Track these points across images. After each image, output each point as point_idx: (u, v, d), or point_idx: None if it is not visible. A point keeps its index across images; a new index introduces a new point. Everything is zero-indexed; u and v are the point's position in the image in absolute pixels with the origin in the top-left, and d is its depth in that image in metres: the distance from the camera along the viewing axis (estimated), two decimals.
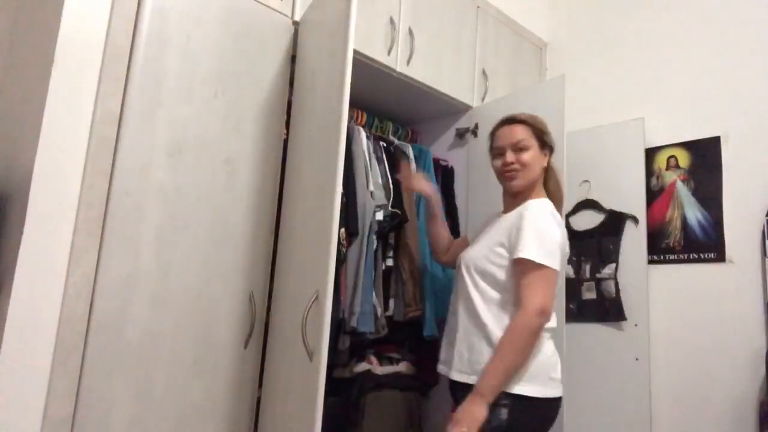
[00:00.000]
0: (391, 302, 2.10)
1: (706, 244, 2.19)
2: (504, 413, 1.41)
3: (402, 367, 2.18)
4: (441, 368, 1.65)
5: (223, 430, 1.53)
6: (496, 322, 1.49)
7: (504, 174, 1.64)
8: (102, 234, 1.35)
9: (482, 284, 1.55)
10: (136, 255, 1.40)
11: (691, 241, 2.22)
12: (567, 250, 1.62)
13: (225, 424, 1.53)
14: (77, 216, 1.32)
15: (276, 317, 1.61)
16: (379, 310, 2.00)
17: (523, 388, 1.43)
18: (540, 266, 1.45)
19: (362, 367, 2.08)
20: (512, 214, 1.58)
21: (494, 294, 1.53)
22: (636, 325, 2.25)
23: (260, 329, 1.63)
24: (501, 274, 1.52)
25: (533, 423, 1.46)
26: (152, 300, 1.42)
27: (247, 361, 1.59)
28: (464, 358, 1.53)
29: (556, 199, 1.66)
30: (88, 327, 1.32)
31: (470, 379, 1.48)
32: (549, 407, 1.49)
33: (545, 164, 1.65)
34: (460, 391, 1.50)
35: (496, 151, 1.67)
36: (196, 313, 1.50)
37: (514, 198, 1.65)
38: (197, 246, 1.52)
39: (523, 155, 1.60)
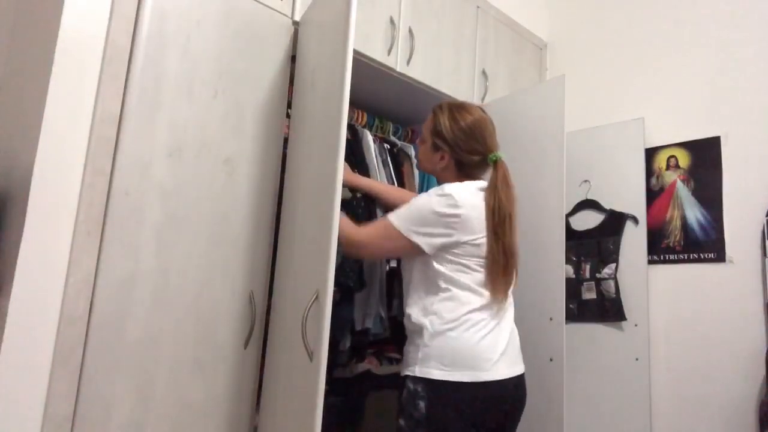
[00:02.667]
0: (395, 303, 2.10)
1: (706, 244, 2.19)
2: (422, 405, 1.41)
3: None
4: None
5: (223, 430, 1.52)
6: (416, 307, 1.53)
7: None
8: (102, 234, 1.35)
9: (402, 272, 1.64)
10: (136, 255, 1.40)
11: (691, 241, 2.22)
12: (466, 224, 1.50)
13: (225, 424, 1.53)
14: (77, 216, 1.32)
15: (276, 317, 1.61)
16: (383, 311, 2.01)
17: (430, 371, 1.43)
18: (387, 219, 1.54)
19: (362, 367, 2.08)
20: None
21: (409, 279, 1.58)
22: (636, 325, 2.25)
23: (260, 329, 1.63)
24: (409, 259, 1.58)
25: (452, 409, 1.41)
26: (152, 300, 1.42)
27: (247, 361, 1.59)
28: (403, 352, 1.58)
29: (494, 208, 1.55)
30: (88, 327, 1.31)
31: (402, 370, 1.52)
32: (464, 391, 1.41)
33: (441, 165, 1.62)
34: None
35: None
36: (196, 312, 1.50)
37: None
38: (197, 246, 1.52)
39: (420, 146, 1.69)
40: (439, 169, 1.64)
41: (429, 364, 1.43)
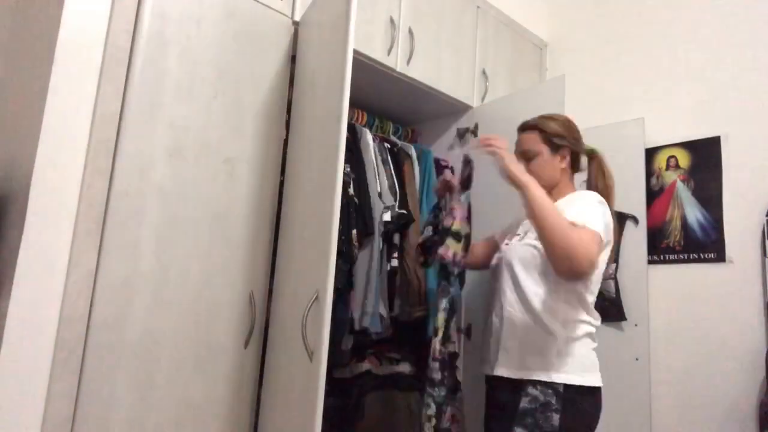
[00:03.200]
0: (396, 302, 2.10)
1: (706, 244, 2.19)
2: (555, 418, 1.39)
3: (402, 367, 2.18)
4: (483, 368, 1.62)
5: (223, 430, 1.52)
6: (550, 314, 1.47)
7: None
8: (102, 234, 1.35)
9: (532, 279, 1.51)
10: (136, 255, 1.40)
11: (691, 241, 2.22)
12: (611, 239, 1.52)
13: (225, 424, 1.53)
14: (77, 216, 1.32)
15: (276, 317, 1.61)
16: (385, 311, 2.01)
17: (571, 377, 1.42)
18: (592, 231, 1.40)
19: (362, 367, 2.08)
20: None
21: (545, 287, 1.49)
22: (636, 325, 2.25)
23: (260, 329, 1.63)
24: (551, 267, 1.46)
25: (585, 415, 1.44)
26: (152, 300, 1.42)
27: (247, 361, 1.59)
28: (513, 355, 1.50)
29: (603, 195, 1.58)
30: (88, 327, 1.32)
31: (514, 374, 1.47)
32: (595, 397, 1.46)
33: (563, 165, 1.62)
34: (500, 388, 1.50)
35: None
36: (196, 313, 1.50)
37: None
38: (197, 246, 1.52)
39: (530, 165, 1.60)
40: (560, 172, 1.62)
41: (567, 369, 1.43)
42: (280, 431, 1.45)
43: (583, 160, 1.68)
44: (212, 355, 1.52)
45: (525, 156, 1.62)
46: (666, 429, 2.16)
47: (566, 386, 1.41)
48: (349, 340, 1.95)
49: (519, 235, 1.62)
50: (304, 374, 1.29)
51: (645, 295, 2.26)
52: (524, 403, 1.43)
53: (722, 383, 2.06)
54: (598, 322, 1.53)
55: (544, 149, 1.62)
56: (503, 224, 1.79)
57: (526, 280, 1.52)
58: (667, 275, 2.26)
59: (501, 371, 1.51)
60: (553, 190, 1.61)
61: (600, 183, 1.63)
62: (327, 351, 1.23)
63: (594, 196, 1.53)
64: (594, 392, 1.46)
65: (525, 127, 1.66)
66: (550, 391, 1.41)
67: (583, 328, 1.49)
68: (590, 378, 1.45)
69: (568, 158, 1.63)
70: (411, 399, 2.15)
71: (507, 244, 1.64)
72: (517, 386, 1.46)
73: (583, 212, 1.45)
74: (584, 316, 1.50)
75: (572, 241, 1.35)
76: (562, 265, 1.38)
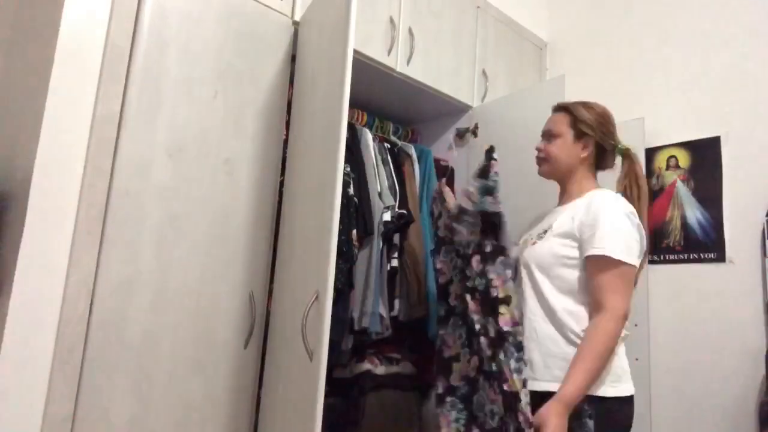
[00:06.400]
0: (396, 302, 2.10)
1: (706, 244, 2.19)
2: (590, 424, 1.34)
3: (402, 367, 2.18)
4: None
5: (223, 430, 1.52)
6: (574, 321, 1.41)
7: (536, 160, 1.64)
8: (102, 234, 1.35)
9: (553, 283, 1.46)
10: (136, 255, 1.40)
11: (691, 241, 2.22)
12: (645, 244, 1.48)
13: (225, 424, 1.53)
14: (77, 216, 1.32)
15: (276, 317, 1.61)
16: (385, 311, 2.01)
17: (605, 389, 1.37)
18: (619, 263, 1.37)
19: (362, 367, 2.08)
20: (573, 206, 1.51)
21: (567, 292, 1.44)
22: (636, 325, 2.25)
23: (260, 329, 1.63)
24: (573, 270, 1.44)
25: (619, 424, 1.41)
26: (152, 300, 1.42)
27: (247, 361, 1.59)
28: (538, 368, 1.42)
29: (634, 197, 1.52)
30: (88, 327, 1.32)
31: (542, 386, 1.40)
32: (630, 405, 1.43)
33: (584, 154, 1.56)
34: (535, 402, 1.38)
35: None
36: (196, 313, 1.50)
37: (561, 190, 1.62)
38: (197, 246, 1.52)
39: (549, 145, 1.58)
40: (578, 161, 1.57)
41: (600, 381, 1.37)
42: (280, 431, 1.45)
43: (617, 160, 1.60)
44: (212, 355, 1.52)
45: (546, 135, 1.60)
46: (666, 429, 2.16)
47: (600, 398, 1.36)
48: (349, 340, 1.95)
49: (537, 232, 1.55)
50: (304, 374, 1.29)
51: (645, 295, 2.26)
52: None
53: (722, 383, 2.06)
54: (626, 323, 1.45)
55: (568, 133, 1.58)
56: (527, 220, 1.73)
57: (543, 288, 1.46)
58: (667, 275, 2.26)
59: (528, 385, 1.42)
60: (569, 178, 1.57)
61: (633, 188, 1.53)
62: (327, 351, 1.23)
63: (620, 207, 1.44)
64: (628, 401, 1.42)
65: (558, 107, 1.65)
66: (582, 401, 1.34)
67: None
68: (623, 388, 1.41)
69: (590, 149, 1.57)
70: (411, 399, 2.15)
71: (532, 241, 1.55)
72: (547, 399, 1.36)
73: (604, 236, 1.37)
74: None
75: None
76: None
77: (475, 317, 1.56)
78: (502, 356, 1.44)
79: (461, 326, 1.67)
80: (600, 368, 1.35)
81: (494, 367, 1.47)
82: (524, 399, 1.38)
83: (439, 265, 1.79)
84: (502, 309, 1.48)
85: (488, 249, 1.57)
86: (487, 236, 1.59)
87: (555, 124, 1.61)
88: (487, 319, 1.52)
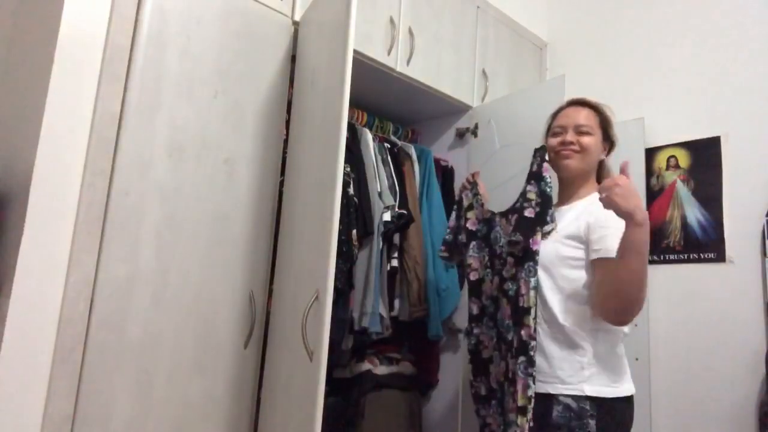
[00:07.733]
0: (396, 302, 2.11)
1: (706, 244, 2.19)
2: (591, 424, 1.34)
3: (402, 367, 2.18)
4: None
5: (223, 430, 1.52)
6: (577, 326, 1.40)
7: (560, 152, 1.54)
8: (102, 234, 1.35)
9: (556, 283, 1.45)
10: (136, 255, 1.40)
11: (691, 241, 2.22)
12: None
13: (225, 424, 1.53)
14: (77, 216, 1.32)
15: (276, 317, 1.61)
16: (385, 311, 2.01)
17: (606, 390, 1.38)
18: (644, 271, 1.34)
19: (362, 367, 2.08)
20: (576, 207, 1.51)
21: (571, 291, 1.43)
22: (636, 325, 2.25)
23: (260, 329, 1.63)
24: (577, 271, 1.43)
25: (620, 424, 1.41)
26: (152, 300, 1.42)
27: (247, 361, 1.59)
28: (539, 365, 1.41)
29: None
30: (88, 327, 1.31)
31: (542, 389, 1.39)
32: (630, 405, 1.44)
33: (603, 156, 1.57)
34: (537, 404, 1.39)
35: (555, 130, 1.58)
36: (196, 313, 1.50)
37: (566, 188, 1.58)
38: (197, 246, 1.52)
39: (584, 138, 1.52)
40: (597, 161, 1.57)
41: (600, 382, 1.38)
42: (280, 431, 1.45)
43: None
44: (212, 355, 1.52)
45: (580, 129, 1.53)
46: (666, 429, 2.16)
47: (601, 398, 1.36)
48: (349, 340, 1.95)
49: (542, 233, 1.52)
50: (304, 374, 1.29)
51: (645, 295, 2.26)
52: (556, 412, 1.37)
53: (722, 383, 2.06)
54: (626, 329, 1.46)
55: (598, 132, 1.56)
56: None
57: (548, 288, 1.45)
58: (667, 275, 2.26)
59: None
60: (582, 177, 1.55)
61: None
62: (327, 351, 1.23)
63: None
64: (629, 401, 1.42)
65: (585, 104, 1.60)
66: (584, 402, 1.36)
67: (612, 336, 1.44)
68: (623, 388, 1.41)
69: (606, 153, 1.59)
70: (411, 399, 2.15)
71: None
72: (548, 400, 1.38)
73: (614, 239, 1.33)
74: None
75: (640, 300, 1.29)
76: (613, 315, 1.35)
77: (507, 322, 1.53)
78: (519, 370, 1.42)
79: (492, 328, 1.63)
80: (636, 280, 1.28)
81: (511, 376, 1.47)
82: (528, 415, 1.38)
83: (470, 261, 1.71)
84: (527, 320, 1.44)
85: (520, 253, 1.51)
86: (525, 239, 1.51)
87: (588, 120, 1.55)
88: (515, 328, 1.48)
